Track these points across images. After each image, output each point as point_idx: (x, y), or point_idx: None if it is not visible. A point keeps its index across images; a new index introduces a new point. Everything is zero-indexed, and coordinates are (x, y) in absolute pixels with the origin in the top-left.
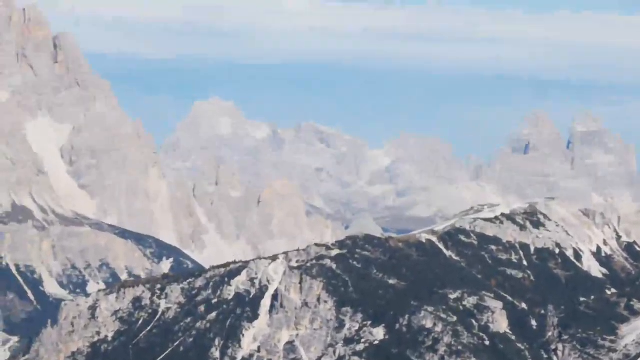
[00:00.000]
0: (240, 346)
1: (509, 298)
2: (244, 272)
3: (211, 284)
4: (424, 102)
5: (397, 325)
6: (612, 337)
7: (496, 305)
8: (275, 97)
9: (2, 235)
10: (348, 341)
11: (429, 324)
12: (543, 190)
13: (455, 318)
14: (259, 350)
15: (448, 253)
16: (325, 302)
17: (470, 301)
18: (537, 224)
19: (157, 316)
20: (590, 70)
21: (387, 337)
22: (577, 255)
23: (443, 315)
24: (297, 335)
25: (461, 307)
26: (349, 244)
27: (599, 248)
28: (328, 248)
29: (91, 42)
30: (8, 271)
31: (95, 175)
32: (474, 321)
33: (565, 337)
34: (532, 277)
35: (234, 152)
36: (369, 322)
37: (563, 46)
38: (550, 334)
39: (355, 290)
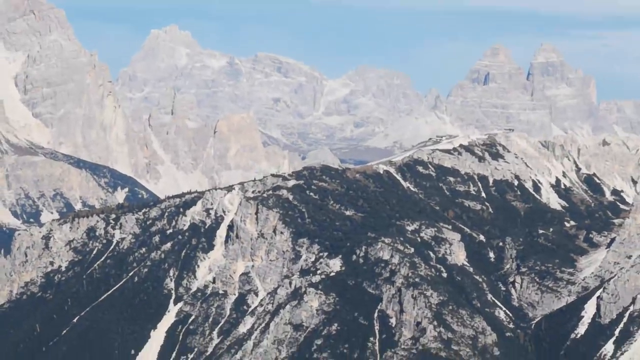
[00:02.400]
0: (195, 277)
1: (467, 230)
2: (199, 203)
3: (166, 214)
4: (385, 37)
5: (354, 257)
6: (571, 270)
7: (454, 237)
8: (233, 27)
9: None
10: (304, 272)
11: (386, 255)
12: (502, 121)
13: (412, 250)
14: (214, 281)
15: (406, 184)
16: (282, 233)
17: (427, 233)
18: (496, 156)
19: (112, 246)
20: (552, 3)
21: (343, 268)
22: (536, 187)
23: (400, 247)
24: (253, 266)
25: (419, 239)
26: (306, 175)
27: (558, 180)
28: (284, 179)
29: None
30: None
31: (50, 105)
32: (431, 253)
33: (524, 270)
34: (490, 209)
35: (191, 83)
36: (326, 254)
37: None
38: (508, 266)
39: (311, 221)
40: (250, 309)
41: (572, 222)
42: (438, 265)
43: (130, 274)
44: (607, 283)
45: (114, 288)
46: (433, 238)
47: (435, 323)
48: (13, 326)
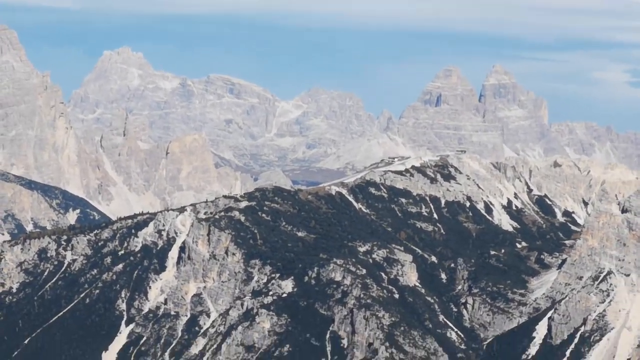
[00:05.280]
0: (147, 298)
1: (419, 251)
2: (151, 224)
3: (118, 235)
4: (337, 58)
5: (306, 278)
6: (522, 291)
7: (406, 258)
8: (186, 49)
9: None
10: (256, 293)
11: (337, 276)
12: (454, 143)
13: (364, 271)
14: (165, 303)
15: (358, 205)
16: (234, 254)
17: (379, 254)
18: (448, 177)
19: (63, 268)
20: (504, 25)
21: (295, 289)
22: (488, 208)
23: (352, 268)
24: (205, 287)
25: (370, 260)
26: (258, 196)
27: (509, 201)
28: (236, 200)
29: None
30: None
31: (1, 126)
32: (383, 274)
33: (475, 291)
34: (442, 230)
35: (143, 105)
36: (278, 275)
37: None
38: (460, 287)
39: (263, 242)
40: (202, 330)
41: (524, 244)
42: (390, 287)
43: (82, 296)
44: (559, 304)
45: (66, 309)
46: (385, 259)
47: (387, 344)
48: None
